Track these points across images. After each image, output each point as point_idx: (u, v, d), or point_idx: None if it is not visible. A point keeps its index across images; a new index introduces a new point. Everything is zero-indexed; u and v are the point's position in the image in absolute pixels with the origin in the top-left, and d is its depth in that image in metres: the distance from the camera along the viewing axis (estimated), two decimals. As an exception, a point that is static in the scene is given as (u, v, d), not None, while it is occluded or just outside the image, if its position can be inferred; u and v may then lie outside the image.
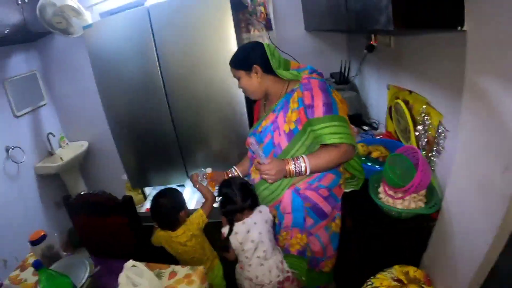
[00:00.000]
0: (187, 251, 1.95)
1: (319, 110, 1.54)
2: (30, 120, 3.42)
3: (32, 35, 3.19)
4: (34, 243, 1.75)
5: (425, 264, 1.71)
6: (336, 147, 1.56)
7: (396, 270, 1.61)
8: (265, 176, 1.52)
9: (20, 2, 2.77)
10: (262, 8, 2.90)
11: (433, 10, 1.15)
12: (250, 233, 1.79)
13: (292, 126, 1.62)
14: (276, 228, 1.87)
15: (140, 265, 1.43)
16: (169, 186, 2.71)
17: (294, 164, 1.54)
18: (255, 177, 1.83)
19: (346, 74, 2.84)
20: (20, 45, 3.32)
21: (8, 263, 2.85)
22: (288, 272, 1.90)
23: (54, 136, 3.58)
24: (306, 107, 1.57)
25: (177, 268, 1.67)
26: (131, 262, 1.42)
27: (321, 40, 3.07)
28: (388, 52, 2.22)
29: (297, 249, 1.81)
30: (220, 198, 1.82)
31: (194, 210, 2.01)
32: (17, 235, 2.84)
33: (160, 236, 1.97)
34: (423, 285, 1.53)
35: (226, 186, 1.80)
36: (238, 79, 1.74)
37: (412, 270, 1.60)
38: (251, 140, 1.59)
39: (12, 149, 3.10)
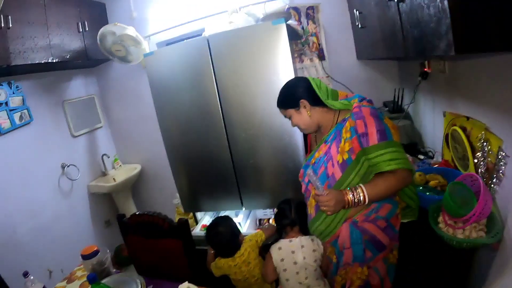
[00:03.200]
0: (251, 271, 1.95)
1: (373, 138, 1.51)
2: (86, 140, 3.60)
3: (91, 61, 3.41)
4: (85, 257, 1.81)
5: None
6: (393, 173, 1.51)
7: None
8: (324, 208, 1.49)
9: (81, 30, 2.97)
10: (314, 38, 2.93)
11: (496, 32, 1.09)
12: (295, 254, 1.78)
13: (346, 156, 1.58)
14: (333, 267, 1.79)
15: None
16: (221, 213, 2.79)
17: (353, 194, 1.49)
18: (311, 212, 1.78)
19: (399, 102, 2.78)
20: (80, 70, 3.56)
21: (53, 274, 2.94)
22: None
23: (108, 157, 3.74)
24: (360, 136, 1.53)
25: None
26: (186, 284, 1.42)
27: (373, 69, 3.05)
28: (443, 78, 2.15)
29: (359, 285, 1.74)
30: (276, 211, 1.88)
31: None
32: (65, 249, 2.97)
33: (223, 265, 1.98)
34: None
35: (284, 202, 1.92)
36: (289, 118, 1.76)
37: None
38: (309, 171, 1.56)
39: (68, 166, 3.27)
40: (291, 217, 1.84)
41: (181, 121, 2.51)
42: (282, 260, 1.81)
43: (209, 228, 2.03)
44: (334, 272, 1.79)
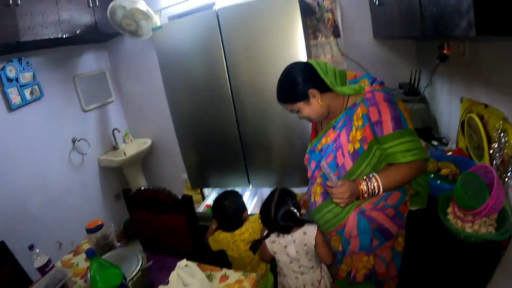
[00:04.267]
0: (248, 251, 1.94)
1: (388, 126, 1.42)
2: (97, 115, 3.62)
3: (102, 36, 3.38)
4: (90, 231, 1.82)
5: None
6: (408, 163, 1.44)
7: None
8: (338, 200, 1.41)
9: (91, 5, 2.93)
10: (330, 15, 2.83)
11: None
12: (287, 248, 1.76)
13: (357, 146, 1.49)
14: (339, 256, 1.77)
15: (193, 266, 1.43)
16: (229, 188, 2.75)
17: (367, 184, 1.43)
18: (317, 200, 1.71)
19: (415, 85, 2.69)
20: (91, 45, 3.53)
21: (63, 246, 3.03)
22: None
23: (119, 131, 3.76)
24: (373, 124, 1.44)
25: (229, 272, 1.65)
26: (184, 262, 1.41)
27: (390, 49, 2.94)
28: (462, 62, 2.06)
29: (364, 274, 1.70)
30: (261, 207, 1.80)
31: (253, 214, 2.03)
32: (75, 221, 3.03)
33: (222, 239, 1.99)
34: None
35: (268, 205, 1.75)
36: (297, 112, 1.62)
37: None
38: (323, 163, 1.45)
39: (78, 140, 3.31)
40: (273, 224, 1.74)
41: (189, 96, 2.49)
42: (275, 252, 1.81)
43: (215, 199, 2.03)
44: (339, 261, 1.77)
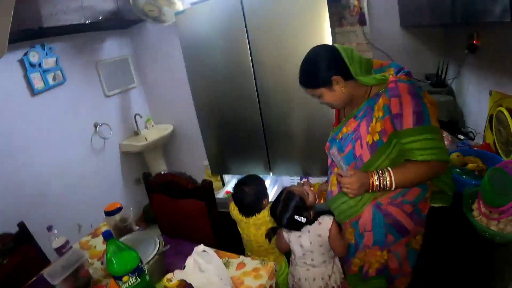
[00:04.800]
0: (258, 238, 1.94)
1: (408, 120, 1.36)
2: (119, 100, 3.65)
3: (125, 22, 3.38)
4: (108, 213, 1.84)
5: None
6: (426, 162, 1.38)
7: None
8: (347, 190, 1.38)
9: (114, -9, 2.92)
10: (356, 2, 2.76)
11: None
12: (301, 238, 1.74)
13: (376, 138, 1.44)
14: (350, 250, 1.74)
15: (210, 251, 1.42)
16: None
17: (379, 178, 1.38)
18: (333, 189, 1.68)
19: (443, 76, 2.61)
20: (114, 31, 3.55)
21: (83, 229, 3.07)
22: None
23: (141, 117, 3.79)
24: (393, 117, 1.38)
25: (247, 260, 1.65)
26: (201, 247, 1.41)
27: (417, 38, 2.85)
28: (492, 53, 1.99)
29: (377, 268, 1.67)
30: (271, 207, 1.78)
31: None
32: (95, 205, 3.02)
33: (237, 215, 2.01)
34: None
35: (280, 197, 1.75)
36: (319, 97, 1.56)
37: None
38: (334, 150, 1.43)
39: (100, 125, 3.35)
40: (280, 223, 1.72)
41: (211, 82, 2.47)
42: (289, 241, 1.80)
43: (237, 183, 2.01)
44: (352, 254, 1.73)
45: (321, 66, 1.48)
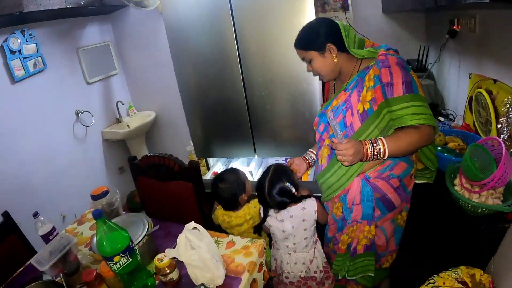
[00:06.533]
0: (239, 228, 1.97)
1: (398, 89, 1.40)
2: (101, 87, 3.58)
3: (107, 7, 3.30)
4: (95, 197, 1.81)
5: (492, 270, 1.52)
6: (416, 129, 1.41)
7: (462, 271, 1.48)
8: (342, 158, 1.38)
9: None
10: (338, -13, 2.79)
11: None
12: (283, 223, 1.75)
13: (367, 106, 1.48)
14: (338, 224, 1.77)
15: (201, 228, 1.42)
16: (234, 160, 2.83)
17: (373, 146, 1.40)
18: (323, 163, 1.71)
19: (423, 61, 2.68)
20: (95, 17, 3.46)
21: (67, 219, 3.05)
22: (315, 272, 1.86)
23: (123, 104, 3.73)
24: (384, 85, 1.43)
25: (236, 238, 1.66)
26: (192, 224, 1.40)
27: (398, 24, 2.90)
28: (472, 38, 2.06)
29: (365, 245, 1.71)
30: (256, 184, 1.77)
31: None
32: (79, 194, 3.04)
33: (219, 215, 2.02)
34: None
35: (263, 184, 1.72)
36: (309, 61, 1.60)
37: (478, 274, 1.46)
38: (329, 114, 1.46)
39: (82, 113, 3.28)
40: (270, 203, 1.72)
41: (197, 66, 2.44)
42: (270, 226, 1.80)
43: (213, 180, 2.02)
44: (339, 229, 1.77)
45: (320, 32, 1.52)
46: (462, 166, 1.60)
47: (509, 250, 1.41)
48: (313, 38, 1.54)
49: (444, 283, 1.45)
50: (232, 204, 1.98)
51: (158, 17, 3.19)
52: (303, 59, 1.63)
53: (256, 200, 1.90)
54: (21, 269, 1.69)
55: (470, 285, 1.41)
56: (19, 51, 2.68)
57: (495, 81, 1.79)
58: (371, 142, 1.41)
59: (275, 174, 1.73)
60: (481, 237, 1.56)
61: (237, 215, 1.96)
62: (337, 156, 1.39)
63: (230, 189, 1.95)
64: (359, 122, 1.51)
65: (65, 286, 1.46)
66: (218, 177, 2.03)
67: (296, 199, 1.72)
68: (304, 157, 1.93)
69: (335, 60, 1.54)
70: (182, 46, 2.41)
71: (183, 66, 2.48)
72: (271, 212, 1.78)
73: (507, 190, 1.54)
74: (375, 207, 1.62)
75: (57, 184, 3.06)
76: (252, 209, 1.96)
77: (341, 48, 1.52)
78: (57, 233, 1.80)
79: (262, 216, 1.82)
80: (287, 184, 1.68)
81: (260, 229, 1.85)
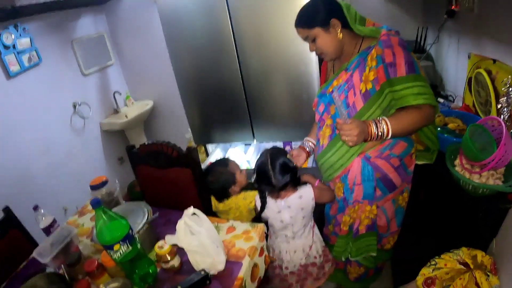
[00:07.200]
0: (227, 215, 2.02)
1: (401, 69, 1.39)
2: (97, 78, 3.55)
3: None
4: (94, 187, 1.81)
5: (493, 251, 1.53)
6: (418, 108, 1.40)
7: (464, 253, 1.48)
8: (347, 138, 1.36)
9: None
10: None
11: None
12: (281, 213, 1.72)
13: (369, 86, 1.47)
14: (339, 205, 1.77)
15: (201, 214, 1.41)
16: (233, 145, 2.82)
17: (376, 126, 1.39)
18: (324, 143, 1.70)
19: (422, 42, 2.66)
20: (89, 8, 3.41)
21: (69, 211, 3.05)
22: (315, 258, 1.86)
23: (120, 94, 3.71)
24: (387, 66, 1.41)
25: (236, 223, 1.66)
26: (191, 209, 1.39)
27: (396, 4, 2.87)
28: (470, 17, 2.03)
29: (367, 225, 1.71)
30: (256, 172, 1.72)
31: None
32: (79, 186, 3.02)
33: (212, 199, 2.06)
34: (488, 273, 1.38)
35: (263, 161, 1.68)
36: (313, 40, 1.53)
37: (480, 255, 1.46)
38: (335, 94, 1.45)
39: (79, 105, 3.25)
40: (276, 184, 1.65)
41: (192, 52, 2.43)
42: (268, 217, 1.79)
43: (204, 172, 2.04)
44: (341, 210, 1.76)
45: (322, 8, 1.48)
46: (462, 146, 1.59)
47: (510, 231, 1.41)
48: (317, 14, 1.49)
49: (445, 265, 1.46)
50: (223, 196, 2.00)
51: (152, 5, 3.15)
52: (305, 38, 1.57)
53: (249, 193, 1.92)
54: (24, 262, 1.69)
55: (471, 266, 1.41)
56: (13, 46, 2.65)
57: (494, 61, 1.77)
58: (375, 122, 1.39)
59: (274, 150, 1.73)
60: (482, 218, 1.55)
61: (225, 204, 2.00)
62: (341, 137, 1.38)
63: (219, 181, 1.97)
64: (362, 102, 1.50)
65: (67, 277, 1.46)
66: (208, 168, 2.05)
67: (297, 180, 1.71)
68: (303, 147, 1.91)
69: (340, 36, 1.50)
70: (177, 33, 2.39)
71: (179, 53, 2.46)
72: (269, 202, 1.74)
73: (508, 171, 1.53)
74: (376, 187, 1.62)
75: (57, 177, 3.06)
76: (240, 200, 1.97)
77: (344, 24, 1.49)
78: (58, 225, 1.80)
79: (258, 208, 1.79)
80: (287, 157, 1.69)
81: (259, 220, 1.82)
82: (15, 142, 2.72)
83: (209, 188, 2.02)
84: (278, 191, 1.69)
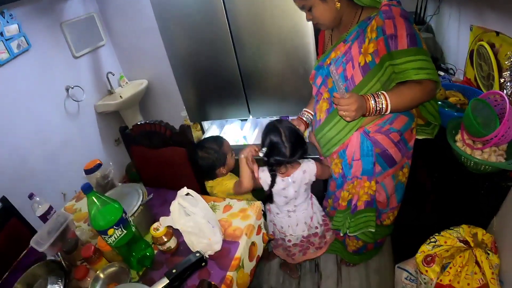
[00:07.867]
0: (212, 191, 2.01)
1: (403, 41, 1.33)
2: (89, 60, 3.48)
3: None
4: (88, 171, 1.80)
5: (494, 229, 1.49)
6: (419, 83, 1.35)
7: (464, 230, 1.46)
8: (344, 113, 1.31)
9: None
10: None
11: None
12: (286, 190, 1.71)
13: (369, 59, 1.41)
14: (337, 182, 1.75)
15: (195, 194, 1.39)
16: (228, 122, 2.78)
17: (375, 101, 1.34)
18: (321, 117, 1.66)
19: (421, 13, 2.59)
20: (76, -11, 3.32)
21: (67, 196, 3.04)
22: (316, 228, 1.87)
23: (113, 75, 3.65)
24: (388, 38, 1.34)
25: (233, 202, 1.65)
26: (185, 190, 1.37)
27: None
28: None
29: (365, 201, 1.70)
30: (267, 146, 1.64)
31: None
32: (77, 170, 2.94)
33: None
34: (489, 251, 1.37)
35: (275, 133, 1.61)
36: (309, 9, 1.45)
37: (480, 233, 1.43)
38: (332, 68, 1.37)
39: (72, 88, 3.19)
40: (289, 155, 1.60)
41: (184, 29, 2.36)
42: (274, 194, 1.76)
43: (196, 145, 2.01)
44: (339, 186, 1.74)
45: None
46: (464, 121, 1.55)
47: (510, 210, 1.38)
48: None
49: (445, 242, 1.44)
50: (208, 175, 1.98)
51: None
52: (302, 7, 1.50)
53: (228, 186, 1.91)
54: (24, 252, 1.68)
55: (471, 244, 1.40)
56: (1, 33, 2.57)
57: (497, 33, 1.70)
58: (374, 96, 1.34)
59: (284, 122, 1.68)
60: (483, 195, 1.51)
61: (208, 183, 2.00)
62: (339, 112, 1.33)
63: (209, 159, 1.94)
64: (361, 75, 1.44)
65: (64, 264, 1.45)
66: (201, 143, 2.01)
67: (306, 150, 1.67)
68: (300, 118, 1.88)
69: (338, 5, 1.42)
70: (167, 9, 2.32)
71: (170, 30, 2.40)
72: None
73: (511, 148, 1.50)
74: (375, 163, 1.59)
75: (54, 163, 3.03)
76: (223, 185, 1.96)
77: None
78: (55, 211, 1.79)
79: (268, 184, 1.73)
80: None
81: (271, 198, 1.78)
82: (9, 130, 2.68)
83: (196, 163, 1.96)
84: (288, 164, 1.65)
